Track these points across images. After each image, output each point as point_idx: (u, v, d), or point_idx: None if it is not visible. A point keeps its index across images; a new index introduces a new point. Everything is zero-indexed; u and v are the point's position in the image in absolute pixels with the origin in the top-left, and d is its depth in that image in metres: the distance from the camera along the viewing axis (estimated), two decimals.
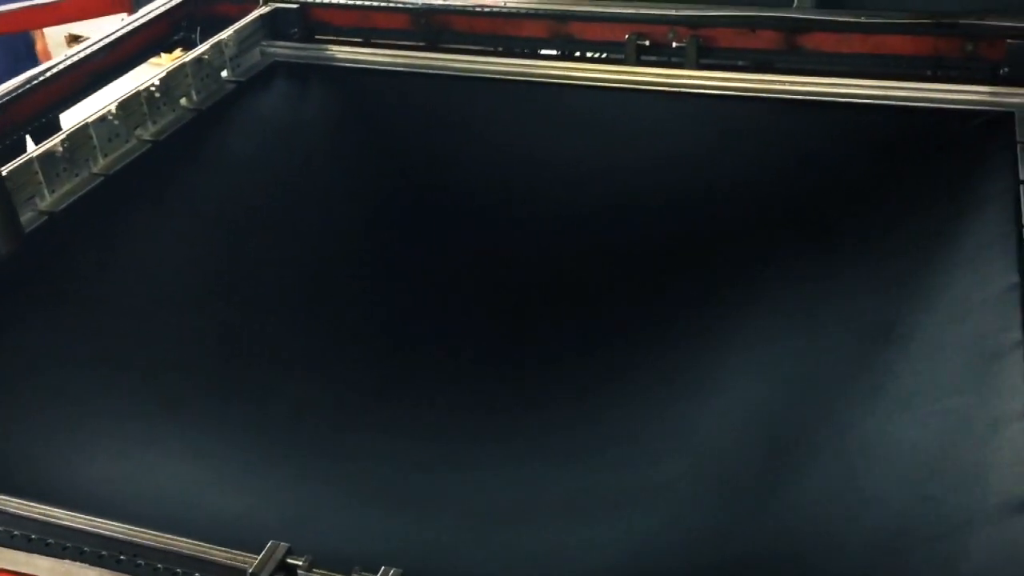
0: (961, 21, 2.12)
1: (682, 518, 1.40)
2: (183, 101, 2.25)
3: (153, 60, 2.66)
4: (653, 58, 2.33)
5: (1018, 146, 1.84)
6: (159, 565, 1.10)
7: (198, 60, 2.29)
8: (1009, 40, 2.07)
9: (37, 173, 1.85)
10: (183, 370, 1.55)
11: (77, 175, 1.94)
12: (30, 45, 4.80)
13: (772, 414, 1.46)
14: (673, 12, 2.31)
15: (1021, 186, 1.73)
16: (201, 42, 2.42)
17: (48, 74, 2.23)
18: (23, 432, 1.43)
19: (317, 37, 2.58)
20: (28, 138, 2.19)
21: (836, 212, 1.84)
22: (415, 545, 1.33)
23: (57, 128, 2.14)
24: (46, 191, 1.87)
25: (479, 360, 1.66)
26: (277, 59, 2.48)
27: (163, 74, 2.20)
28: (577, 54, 2.53)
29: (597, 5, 2.42)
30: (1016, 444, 1.22)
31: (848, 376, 1.47)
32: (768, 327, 1.61)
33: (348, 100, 2.37)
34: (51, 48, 5.78)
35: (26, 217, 1.83)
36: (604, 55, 2.48)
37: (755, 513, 1.40)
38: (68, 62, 2.28)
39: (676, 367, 1.60)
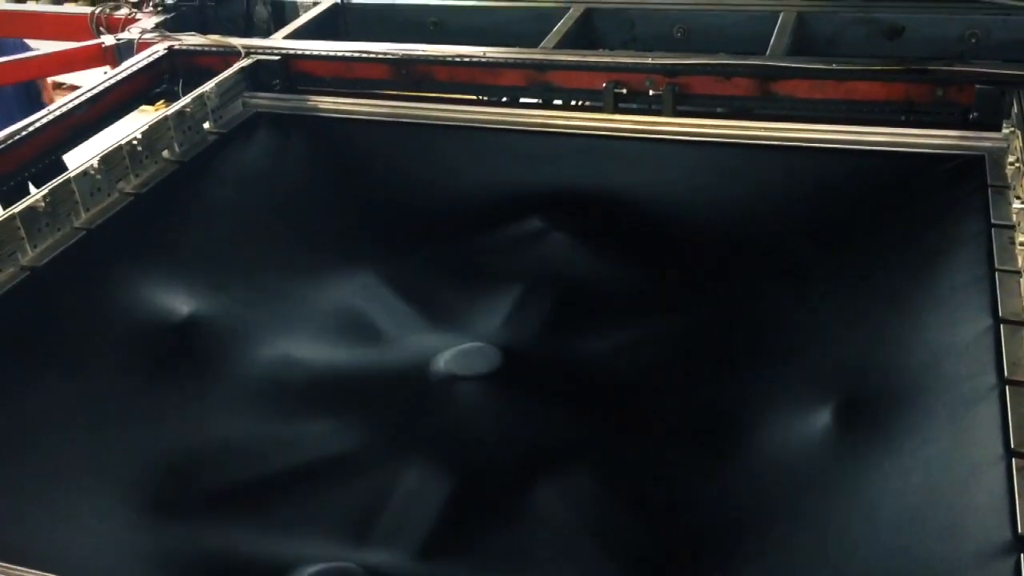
0: (931, 67, 2.17)
1: (664, 567, 1.41)
2: (165, 153, 2.26)
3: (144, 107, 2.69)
4: (632, 105, 2.37)
5: (989, 189, 1.88)
6: None
7: (180, 112, 2.31)
8: (978, 85, 2.11)
9: (19, 228, 1.86)
10: (161, 428, 1.54)
11: (59, 230, 1.94)
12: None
13: (753, 463, 1.47)
14: (650, 60, 2.35)
15: (993, 229, 1.76)
16: (184, 94, 2.44)
17: (33, 127, 2.24)
18: None
19: (299, 88, 2.61)
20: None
21: (811, 256, 1.86)
22: None
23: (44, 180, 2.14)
24: (28, 246, 1.88)
25: (458, 407, 1.65)
26: (259, 110, 2.50)
27: (145, 127, 2.21)
28: (557, 102, 2.58)
29: (575, 54, 2.46)
30: (995, 490, 1.24)
31: (826, 423, 1.48)
32: (744, 371, 1.61)
33: (330, 150, 2.38)
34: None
35: (7, 272, 1.83)
36: (583, 103, 2.51)
37: (737, 559, 1.41)
38: (51, 116, 2.30)
39: (648, 415, 1.61)
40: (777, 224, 1.98)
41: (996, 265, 1.66)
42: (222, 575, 1.39)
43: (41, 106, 4.68)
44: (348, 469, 1.61)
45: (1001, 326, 1.52)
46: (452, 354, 1.71)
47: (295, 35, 2.80)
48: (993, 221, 1.77)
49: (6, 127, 2.25)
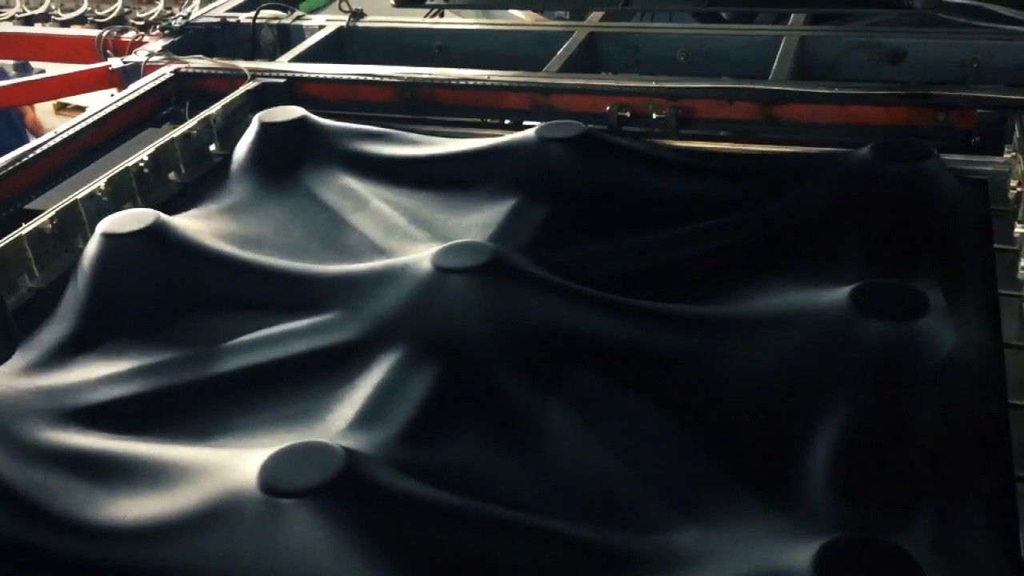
0: (933, 92, 2.18)
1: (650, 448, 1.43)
2: (172, 175, 2.28)
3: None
4: (635, 129, 2.38)
5: (992, 213, 1.88)
6: None
7: (186, 135, 2.33)
8: (979, 110, 2.13)
9: (26, 250, 1.87)
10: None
11: (67, 251, 1.95)
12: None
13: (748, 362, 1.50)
14: (653, 84, 2.36)
15: (996, 253, 1.76)
16: (190, 117, 2.46)
17: (38, 151, 2.26)
18: None
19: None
20: None
21: (813, 276, 1.86)
22: None
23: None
24: (35, 268, 1.89)
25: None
26: None
27: (152, 149, 2.23)
28: None
29: (579, 78, 2.48)
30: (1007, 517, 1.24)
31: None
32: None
33: (336, 172, 2.38)
34: (39, 116, 5.86)
35: (16, 295, 1.84)
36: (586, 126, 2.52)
37: (732, 446, 1.41)
38: (58, 139, 2.32)
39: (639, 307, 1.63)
40: (779, 245, 1.97)
41: (999, 289, 1.67)
42: (206, 460, 1.38)
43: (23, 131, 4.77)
44: (330, 359, 1.61)
45: (1005, 350, 1.52)
46: (440, 250, 1.70)
47: (301, 58, 2.82)
48: (996, 245, 1.78)
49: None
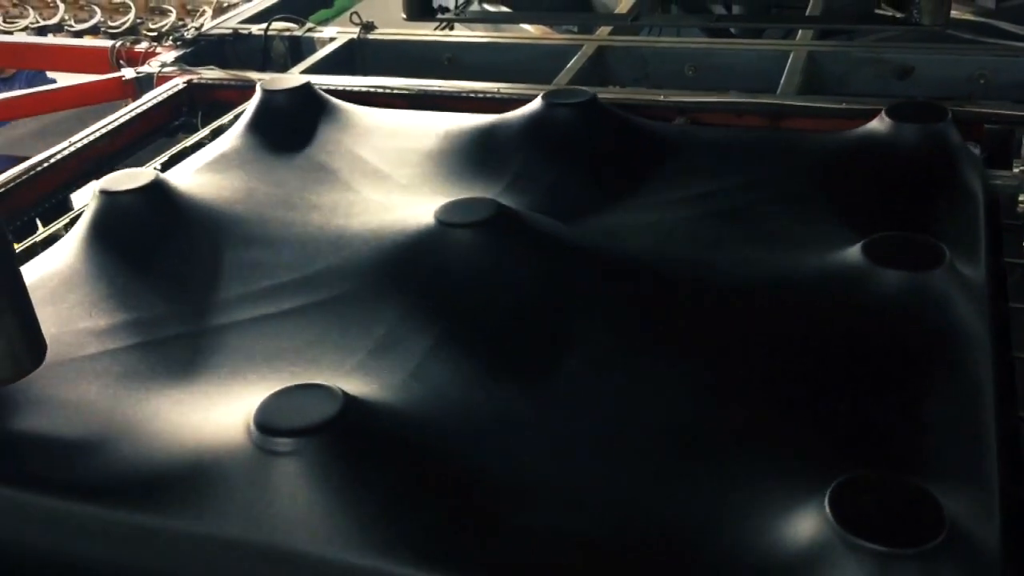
0: None
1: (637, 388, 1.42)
2: None
3: None
4: None
5: (1002, 227, 1.89)
6: None
7: (199, 145, 2.34)
8: (987, 125, 2.14)
9: None
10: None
11: None
12: None
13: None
14: (662, 98, 2.38)
15: (1007, 266, 1.77)
16: (202, 127, 2.48)
17: (53, 159, 2.28)
18: None
19: None
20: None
21: (826, 232, 1.87)
22: None
23: (64, 211, 2.17)
24: None
25: None
26: None
27: (165, 159, 2.25)
28: None
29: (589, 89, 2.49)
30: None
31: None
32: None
33: (338, 136, 2.40)
34: None
35: None
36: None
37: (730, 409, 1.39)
38: (72, 147, 2.33)
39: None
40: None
41: (1010, 303, 1.67)
42: (198, 405, 1.38)
43: None
44: (331, 312, 1.60)
45: (1015, 362, 1.53)
46: (444, 205, 1.69)
47: (312, 70, 2.84)
48: (1007, 258, 1.79)
49: None
